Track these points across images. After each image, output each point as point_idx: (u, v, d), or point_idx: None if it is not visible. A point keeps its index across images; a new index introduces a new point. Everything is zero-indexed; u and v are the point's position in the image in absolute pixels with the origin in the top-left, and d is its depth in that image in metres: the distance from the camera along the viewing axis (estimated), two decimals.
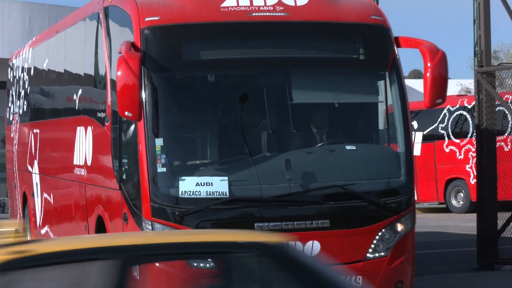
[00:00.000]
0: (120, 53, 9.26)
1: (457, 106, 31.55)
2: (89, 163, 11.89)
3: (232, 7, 9.72)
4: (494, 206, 14.37)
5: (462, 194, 31.56)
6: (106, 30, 11.21)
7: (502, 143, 16.34)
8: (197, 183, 9.31)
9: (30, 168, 16.38)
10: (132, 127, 9.75)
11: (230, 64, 10.04)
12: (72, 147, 12.82)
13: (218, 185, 9.32)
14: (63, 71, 14.19)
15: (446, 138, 31.69)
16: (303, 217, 9.47)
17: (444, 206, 32.64)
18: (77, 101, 12.86)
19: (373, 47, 10.25)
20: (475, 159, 15.92)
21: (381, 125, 10.31)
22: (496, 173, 14.41)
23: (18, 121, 17.91)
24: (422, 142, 32.46)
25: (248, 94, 9.68)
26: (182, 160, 9.73)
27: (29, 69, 16.91)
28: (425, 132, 32.44)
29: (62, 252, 5.04)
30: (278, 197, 9.48)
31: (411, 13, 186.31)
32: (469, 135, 29.92)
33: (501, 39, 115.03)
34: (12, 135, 18.66)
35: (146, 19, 9.62)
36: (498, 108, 14.81)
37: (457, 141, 31.37)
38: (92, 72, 12.11)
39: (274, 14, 9.78)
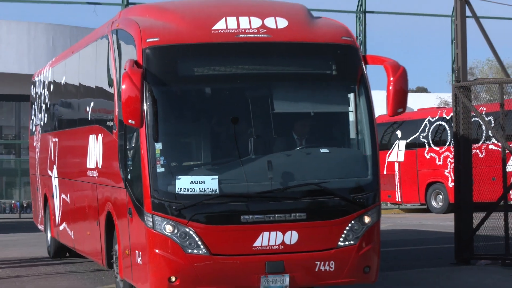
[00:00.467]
0: (125, 69, 9.57)
1: (437, 117, 31.60)
2: (100, 166, 12.16)
3: (221, 29, 10.08)
4: (470, 207, 14.31)
5: (441, 196, 31.55)
6: (114, 50, 11.44)
7: (477, 151, 16.29)
8: (191, 181, 9.55)
9: (50, 173, 16.61)
10: (135, 133, 10.05)
11: (220, 79, 10.27)
12: (85, 153, 13.06)
13: (210, 183, 9.55)
14: (78, 86, 14.45)
15: (427, 146, 31.70)
16: (283, 210, 9.69)
17: (425, 207, 32.65)
18: (89, 112, 13.10)
19: (344, 64, 10.49)
20: (453, 165, 15.82)
21: (351, 131, 10.54)
22: (472, 178, 14.35)
23: (40, 131, 18.11)
24: (405, 150, 32.56)
25: (236, 107, 10.11)
26: (178, 161, 9.94)
27: (49, 85, 17.13)
28: (408, 141, 32.46)
29: None
30: (261, 193, 9.68)
31: (396, 33, 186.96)
32: (448, 143, 29.90)
33: (476, 57, 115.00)
34: (34, 144, 18.89)
35: (148, 40, 9.91)
36: (473, 119, 14.72)
37: (437, 148, 31.38)
38: (102, 86, 12.30)
39: (258, 35, 10.11)
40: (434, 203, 31.93)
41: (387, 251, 17.31)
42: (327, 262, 9.71)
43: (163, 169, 9.61)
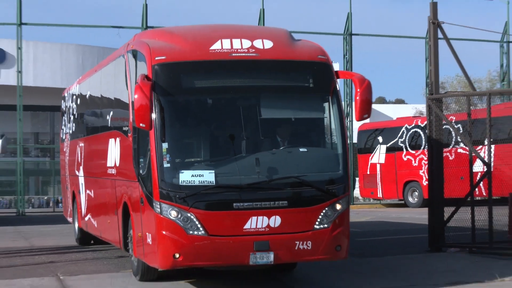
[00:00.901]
0: (137, 82, 9.97)
1: (413, 125, 31.60)
2: (117, 164, 12.44)
3: (217, 49, 10.46)
4: (441, 202, 14.33)
5: (416, 193, 31.53)
6: (129, 66, 11.73)
7: (448, 154, 16.33)
8: (192, 174, 9.90)
9: (77, 173, 16.90)
10: (146, 136, 10.32)
11: (216, 90, 10.58)
12: (106, 154, 13.33)
13: (207, 176, 9.90)
14: (100, 98, 14.77)
15: (404, 150, 31.68)
16: (268, 199, 9.99)
17: (402, 202, 32.62)
18: (109, 120, 13.40)
19: (319, 78, 10.81)
20: (426, 166, 15.82)
21: (325, 134, 10.91)
22: (443, 177, 14.36)
23: (69, 138, 18.50)
24: (385, 153, 32.56)
25: (230, 114, 10.48)
26: (181, 158, 10.26)
27: (76, 99, 17.49)
28: (388, 145, 32.46)
29: None
30: (250, 184, 9.99)
31: (378, 52, 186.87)
32: (422, 147, 29.89)
33: (447, 73, 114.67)
34: (64, 150, 19.26)
35: (156, 58, 10.31)
36: (444, 126, 14.75)
37: (413, 152, 31.36)
38: (120, 98, 12.61)
39: (248, 54, 10.48)
40: (410, 199, 31.92)
41: (370, 240, 17.32)
42: (305, 242, 10.04)
43: (169, 165, 9.95)
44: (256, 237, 9.86)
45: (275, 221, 9.91)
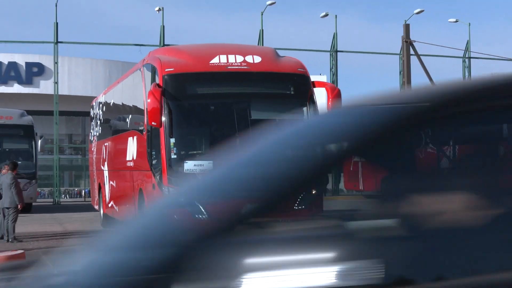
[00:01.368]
0: (150, 89, 10.58)
1: None
2: (134, 158, 12.93)
3: (216, 63, 11.00)
4: None
5: None
6: (144, 77, 12.21)
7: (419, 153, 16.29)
8: (194, 164, 10.35)
9: (102, 167, 17.29)
10: (157, 133, 10.77)
11: (215, 96, 11.13)
12: (125, 150, 13.76)
13: (207, 165, 10.15)
14: (121, 105, 15.20)
15: None
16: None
17: None
18: (128, 122, 13.89)
19: (299, 87, 11.30)
20: None
21: None
22: None
23: (96, 140, 18.98)
24: None
25: (225, 115, 10.94)
26: (186, 151, 10.73)
27: (102, 107, 17.93)
28: None
29: None
30: None
31: (361, 66, 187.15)
32: None
33: (418, 84, 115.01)
34: (92, 149, 19.72)
35: (166, 70, 10.87)
36: None
37: None
38: (137, 104, 13.03)
39: (240, 67, 11.03)
40: None
41: None
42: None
43: (175, 156, 10.45)
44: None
45: None
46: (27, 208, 24.06)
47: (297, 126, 3.18)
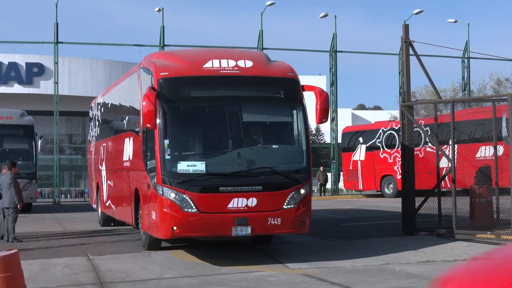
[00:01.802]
0: (145, 92, 10.69)
1: (389, 128, 31.53)
2: (131, 158, 13.12)
3: (209, 67, 11.11)
4: (413, 193, 14.27)
5: (392, 185, 31.46)
6: (140, 80, 12.34)
7: (418, 152, 16.24)
8: (187, 165, 10.60)
9: (100, 167, 17.50)
10: (152, 134, 10.94)
11: (207, 99, 11.31)
12: (122, 151, 13.96)
13: (199, 166, 10.60)
14: (118, 107, 15.38)
15: (381, 149, 31.61)
16: (247, 184, 10.67)
17: (380, 193, 32.53)
18: (125, 124, 13.98)
19: (289, 90, 11.45)
20: (400, 162, 15.78)
21: (293, 134, 11.47)
22: (414, 172, 14.31)
23: (94, 140, 19.12)
24: (365, 151, 32.47)
25: (218, 117, 11.26)
26: (179, 152, 10.91)
27: (100, 108, 18.12)
28: (367, 145, 32.38)
29: None
30: (233, 173, 10.71)
31: (360, 66, 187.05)
32: (396, 147, 29.83)
33: (417, 84, 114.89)
34: (91, 149, 19.88)
35: (161, 74, 11.00)
36: (415, 129, 14.70)
37: (389, 150, 31.30)
38: (133, 105, 13.21)
39: (232, 71, 11.15)
40: (386, 190, 31.85)
41: (353, 225, 17.26)
42: (275, 218, 10.77)
43: (169, 157, 10.66)
44: (237, 214, 10.59)
45: (252, 202, 10.65)
46: (27, 208, 24.02)
47: None
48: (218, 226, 10.57)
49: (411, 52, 14.68)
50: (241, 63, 11.30)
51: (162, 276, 9.80)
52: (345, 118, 63.90)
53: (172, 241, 12.67)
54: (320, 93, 11.28)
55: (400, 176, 15.20)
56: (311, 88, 11.55)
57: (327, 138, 58.99)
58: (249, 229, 10.63)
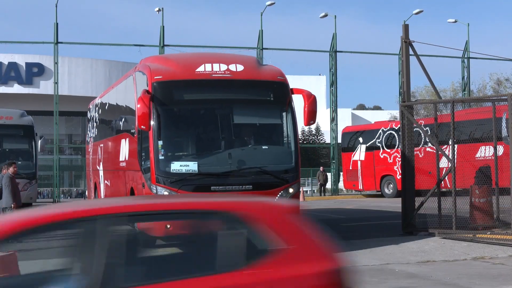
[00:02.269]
0: (140, 95, 11.12)
1: (388, 128, 31.51)
2: (126, 158, 13.50)
3: (201, 71, 11.51)
4: (413, 193, 14.27)
5: (391, 185, 31.44)
6: (135, 83, 12.71)
7: (418, 152, 16.24)
8: (180, 165, 11.01)
9: (98, 167, 17.87)
10: (146, 136, 11.33)
11: (200, 101, 11.66)
12: (119, 151, 14.34)
13: (192, 166, 11.01)
14: (115, 109, 15.78)
15: (381, 149, 31.59)
16: (237, 183, 11.09)
17: (379, 193, 32.52)
18: (121, 125, 14.39)
19: (278, 93, 11.80)
20: (400, 162, 15.78)
21: (282, 135, 11.85)
22: (414, 172, 14.30)
23: (92, 141, 19.60)
24: (365, 151, 32.46)
25: (210, 119, 11.63)
26: (173, 152, 11.30)
27: (98, 110, 18.55)
28: (367, 145, 32.36)
29: None
30: (224, 173, 11.12)
31: (360, 66, 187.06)
32: (396, 147, 29.82)
33: (417, 84, 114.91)
34: (89, 150, 20.38)
35: (155, 77, 11.41)
36: (415, 129, 14.69)
37: (388, 150, 31.28)
38: (129, 107, 13.55)
39: (224, 75, 11.55)
40: (386, 190, 31.83)
41: (353, 225, 17.27)
42: None
43: (163, 157, 11.06)
44: None
45: None
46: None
47: None
48: None
49: (411, 52, 14.69)
50: (232, 67, 11.69)
51: None
52: (345, 118, 63.92)
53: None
54: (308, 96, 11.59)
55: (400, 176, 15.20)
56: (299, 91, 11.91)
57: (327, 138, 59.02)
58: None
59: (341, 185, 38.14)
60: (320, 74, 79.53)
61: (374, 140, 31.89)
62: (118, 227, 4.39)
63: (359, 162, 32.71)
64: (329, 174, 37.77)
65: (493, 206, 13.59)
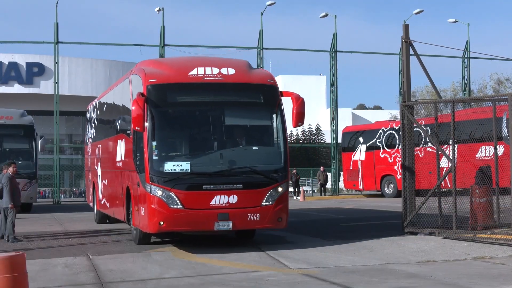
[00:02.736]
0: (135, 97, 11.57)
1: (389, 127, 31.52)
2: (123, 158, 13.89)
3: (194, 74, 11.99)
4: (413, 193, 14.25)
5: (392, 185, 31.45)
6: (131, 86, 13.14)
7: (418, 152, 16.23)
8: (173, 164, 11.44)
9: (96, 167, 18.28)
10: (141, 136, 11.76)
11: (193, 104, 12.06)
12: (115, 152, 14.78)
13: (184, 166, 11.43)
14: (112, 111, 16.21)
15: (381, 148, 31.60)
16: (228, 182, 11.52)
17: (380, 193, 32.54)
18: (118, 126, 14.79)
19: (268, 96, 12.25)
20: (400, 162, 15.76)
21: (272, 136, 12.29)
22: (415, 171, 14.29)
23: (91, 142, 20.05)
24: (366, 151, 32.46)
25: (202, 121, 11.99)
26: (166, 153, 11.71)
27: (96, 111, 18.97)
28: (367, 145, 32.36)
29: None
30: (216, 172, 11.55)
31: (360, 66, 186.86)
32: (397, 146, 29.84)
33: (417, 84, 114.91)
34: (87, 150, 20.81)
35: (149, 80, 11.85)
36: (415, 129, 14.68)
37: (389, 150, 31.29)
38: (126, 110, 13.83)
39: (216, 78, 12.01)
40: (386, 190, 31.83)
41: (353, 225, 17.25)
42: (255, 214, 11.65)
43: (156, 157, 11.50)
44: (219, 210, 11.46)
45: (233, 199, 11.50)
46: (27, 208, 24.03)
47: None
48: (201, 221, 11.45)
49: (411, 52, 14.68)
50: (224, 70, 12.15)
51: (162, 276, 9.80)
52: (345, 118, 63.95)
53: (162, 236, 13.45)
54: (296, 98, 12.04)
55: (401, 176, 15.18)
56: (288, 94, 12.31)
57: (327, 138, 59.02)
58: (230, 224, 11.54)
59: (341, 185, 38.13)
60: (320, 74, 79.62)
61: (375, 140, 31.90)
62: None
63: (359, 162, 32.70)
64: (329, 174, 37.77)
65: (494, 206, 13.58)
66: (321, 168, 36.64)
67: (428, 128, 15.68)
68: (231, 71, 12.21)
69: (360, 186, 33.04)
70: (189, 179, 11.39)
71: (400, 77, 35.45)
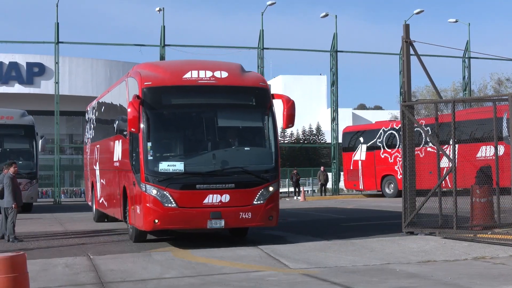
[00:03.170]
0: (131, 100, 12.00)
1: (389, 127, 31.54)
2: (120, 158, 14.29)
3: (188, 77, 12.39)
4: (413, 193, 14.25)
5: (392, 185, 31.46)
6: (128, 89, 13.49)
7: (419, 152, 16.22)
8: (168, 164, 11.85)
9: (94, 167, 18.70)
10: (136, 138, 12.16)
11: (187, 106, 12.46)
12: (113, 152, 15.16)
13: (178, 166, 11.84)
14: (109, 112, 16.59)
15: (382, 148, 31.62)
16: (221, 182, 11.92)
17: (380, 193, 32.54)
18: (115, 127, 15.20)
19: (260, 98, 12.65)
20: (401, 162, 15.77)
21: (263, 137, 12.64)
22: (415, 171, 14.28)
23: (90, 142, 20.47)
24: (366, 151, 32.48)
25: (196, 123, 12.37)
26: (160, 153, 12.07)
27: (95, 112, 19.38)
28: (368, 145, 32.38)
29: None
30: (209, 172, 11.95)
31: (360, 66, 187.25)
32: (397, 146, 29.85)
33: (418, 84, 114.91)
34: (86, 150, 21.26)
35: (144, 83, 12.25)
36: (416, 129, 14.67)
37: (389, 150, 31.31)
38: (123, 111, 14.14)
39: (209, 81, 12.41)
40: (387, 190, 31.84)
41: (354, 225, 17.26)
42: (246, 213, 12.06)
43: (151, 158, 11.88)
44: (211, 209, 11.86)
45: (226, 198, 11.91)
46: (28, 208, 24.03)
47: None
48: (195, 219, 11.86)
49: (411, 52, 14.67)
50: (217, 73, 12.52)
51: (162, 276, 9.80)
52: (345, 118, 63.90)
53: (158, 234, 13.86)
54: (287, 101, 12.44)
55: (401, 176, 15.18)
56: (279, 96, 12.69)
57: (327, 138, 59.01)
58: (222, 222, 11.95)
59: (341, 185, 38.13)
60: (320, 74, 79.56)
61: (375, 140, 31.92)
62: None
63: (359, 162, 32.71)
64: (329, 174, 37.76)
65: (494, 206, 13.57)
66: (322, 168, 36.64)
67: (428, 128, 15.67)
68: (224, 74, 12.59)
69: (361, 186, 33.05)
70: (183, 179, 11.79)
71: (400, 77, 35.44)
